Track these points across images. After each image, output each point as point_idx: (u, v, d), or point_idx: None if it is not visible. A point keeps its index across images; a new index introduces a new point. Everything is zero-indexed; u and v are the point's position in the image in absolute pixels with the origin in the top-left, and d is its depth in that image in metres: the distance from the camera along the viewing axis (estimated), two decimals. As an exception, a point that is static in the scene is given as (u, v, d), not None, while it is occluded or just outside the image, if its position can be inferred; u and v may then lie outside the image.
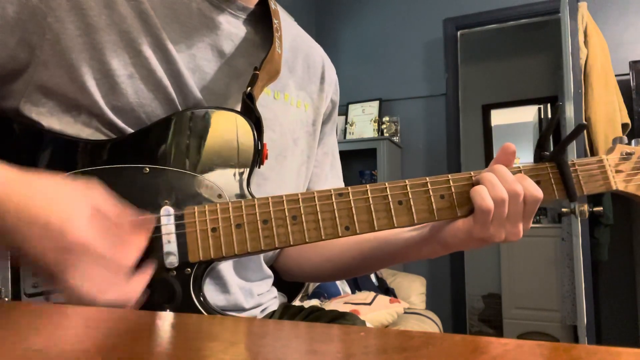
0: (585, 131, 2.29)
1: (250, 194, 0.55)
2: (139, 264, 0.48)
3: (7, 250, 0.47)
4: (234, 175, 0.55)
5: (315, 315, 0.71)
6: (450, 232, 0.55)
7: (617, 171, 0.59)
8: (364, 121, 3.09)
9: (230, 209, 0.51)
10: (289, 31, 0.73)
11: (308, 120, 0.73)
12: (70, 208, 0.43)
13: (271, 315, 0.69)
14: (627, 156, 0.60)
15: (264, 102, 0.65)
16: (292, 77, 0.71)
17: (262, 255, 0.68)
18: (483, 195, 0.52)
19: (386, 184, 0.54)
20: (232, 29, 0.63)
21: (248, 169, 0.55)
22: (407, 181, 0.55)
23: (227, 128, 0.55)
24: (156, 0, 0.57)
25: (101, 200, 0.46)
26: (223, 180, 0.54)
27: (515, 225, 0.54)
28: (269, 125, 0.64)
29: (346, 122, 3.11)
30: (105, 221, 0.44)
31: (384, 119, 3.05)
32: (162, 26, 0.56)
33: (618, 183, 0.59)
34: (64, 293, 0.43)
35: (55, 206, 0.42)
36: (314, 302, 2.22)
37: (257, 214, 0.52)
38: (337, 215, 0.53)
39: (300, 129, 0.71)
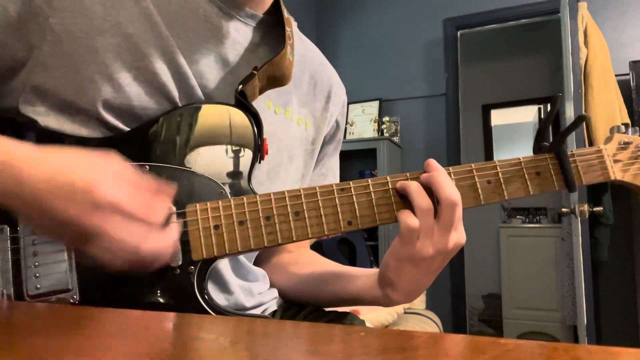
0: (585, 130, 2.28)
1: (252, 190, 0.55)
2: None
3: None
4: (235, 171, 0.55)
5: (315, 315, 0.71)
6: (383, 266, 0.56)
7: (616, 161, 0.59)
8: (364, 121, 3.09)
9: (233, 205, 0.51)
10: (300, 45, 0.72)
11: (308, 138, 0.71)
12: (93, 171, 0.43)
13: (272, 315, 0.69)
14: (625, 145, 0.60)
15: (264, 116, 0.62)
16: (296, 92, 0.69)
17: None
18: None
19: (387, 177, 0.54)
20: (240, 37, 0.61)
21: (249, 165, 0.55)
22: (408, 174, 0.55)
23: (226, 124, 0.55)
24: (162, 4, 0.56)
25: (121, 166, 0.45)
26: (224, 177, 0.54)
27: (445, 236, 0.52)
28: (266, 139, 0.62)
29: (346, 122, 3.11)
30: (128, 184, 0.44)
31: (384, 119, 3.05)
32: (168, 30, 0.56)
33: (616, 172, 0.59)
34: (102, 252, 0.43)
35: (78, 170, 0.43)
36: (314, 302, 2.21)
37: (260, 210, 0.52)
38: (339, 210, 0.53)
39: (299, 146, 0.69)
